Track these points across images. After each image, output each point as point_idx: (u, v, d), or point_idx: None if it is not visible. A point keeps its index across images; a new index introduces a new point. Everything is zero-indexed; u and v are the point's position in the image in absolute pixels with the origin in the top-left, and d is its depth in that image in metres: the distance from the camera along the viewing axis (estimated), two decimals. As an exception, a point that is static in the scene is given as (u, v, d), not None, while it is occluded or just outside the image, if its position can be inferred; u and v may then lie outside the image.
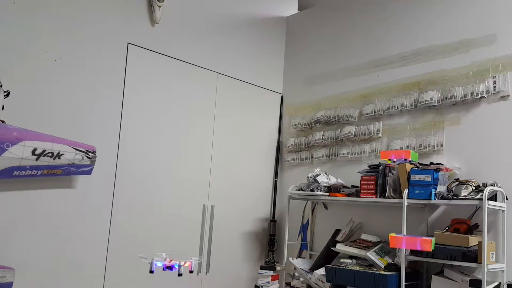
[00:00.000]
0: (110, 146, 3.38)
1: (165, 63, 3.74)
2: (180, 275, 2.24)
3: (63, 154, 2.91)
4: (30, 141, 2.78)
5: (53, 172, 2.92)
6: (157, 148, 3.66)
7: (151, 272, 2.20)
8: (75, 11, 3.25)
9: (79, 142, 3.05)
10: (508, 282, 2.64)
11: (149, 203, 3.59)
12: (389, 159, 3.29)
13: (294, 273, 3.83)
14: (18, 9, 2.99)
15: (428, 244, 2.79)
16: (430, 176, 3.05)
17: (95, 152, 3.09)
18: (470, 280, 2.84)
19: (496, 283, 2.90)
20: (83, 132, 3.21)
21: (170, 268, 2.24)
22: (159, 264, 2.23)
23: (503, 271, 2.98)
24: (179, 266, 2.26)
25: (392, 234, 2.95)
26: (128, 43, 3.51)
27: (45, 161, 2.84)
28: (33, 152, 2.79)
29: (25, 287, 2.93)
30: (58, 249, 3.09)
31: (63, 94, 3.16)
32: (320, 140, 4.22)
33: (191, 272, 2.27)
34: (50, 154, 2.85)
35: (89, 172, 3.09)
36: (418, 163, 3.27)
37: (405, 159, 3.24)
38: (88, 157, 3.04)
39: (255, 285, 3.80)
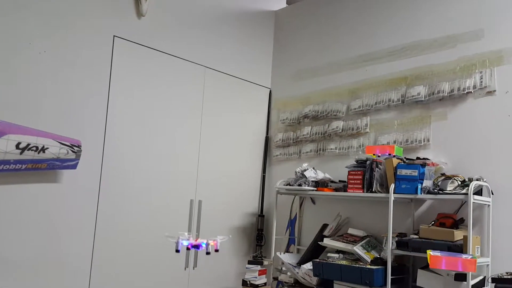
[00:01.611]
0: (95, 140, 3.35)
1: (152, 56, 3.72)
2: (208, 253, 2.18)
3: (47, 148, 2.89)
4: (14, 134, 2.75)
5: (38, 167, 2.90)
6: (143, 143, 3.63)
7: (177, 251, 2.13)
8: (60, 2, 3.21)
9: (64, 136, 3.03)
10: (493, 276, 2.65)
11: (135, 197, 3.57)
12: (374, 154, 3.31)
13: (281, 268, 3.84)
14: (2, 1, 2.95)
15: (472, 264, 2.56)
16: (417, 171, 3.06)
17: (80, 146, 3.06)
18: (455, 274, 2.85)
19: (481, 277, 2.91)
20: (68, 126, 3.18)
21: (196, 246, 2.17)
22: (185, 243, 2.16)
23: (488, 265, 3.00)
24: (207, 244, 2.19)
25: (430, 252, 2.67)
26: (114, 36, 3.48)
27: (29, 155, 2.82)
28: (17, 146, 2.76)
29: (9, 283, 2.91)
30: (43, 244, 3.07)
31: (48, 87, 3.13)
32: (308, 135, 4.22)
33: (216, 251, 2.22)
34: (34, 148, 2.83)
35: (74, 167, 3.07)
36: (404, 158, 3.28)
37: (390, 154, 3.25)
38: (73, 151, 3.01)
39: (243, 280, 3.80)
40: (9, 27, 2.98)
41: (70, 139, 3.04)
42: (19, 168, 2.81)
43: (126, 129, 3.53)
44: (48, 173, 3.09)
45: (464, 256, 2.54)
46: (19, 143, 2.76)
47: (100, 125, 3.38)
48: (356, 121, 3.88)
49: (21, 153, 2.77)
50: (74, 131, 3.19)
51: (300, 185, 3.71)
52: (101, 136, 3.38)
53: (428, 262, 2.59)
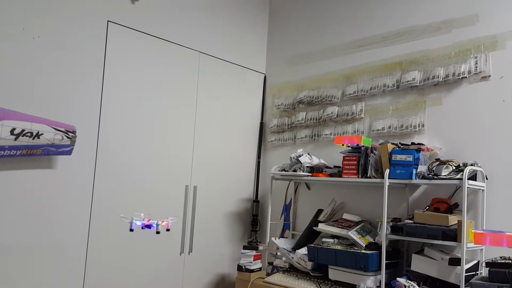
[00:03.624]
0: (90, 126, 3.33)
1: (147, 41, 3.69)
2: (158, 232, 2.36)
3: (42, 134, 2.87)
4: (8, 120, 2.73)
5: (33, 152, 2.88)
6: (138, 128, 3.62)
7: (131, 230, 2.30)
8: (53, -12, 3.18)
9: (59, 122, 3.01)
10: (487, 260, 2.68)
11: (131, 183, 3.56)
12: (343, 144, 3.38)
13: (276, 253, 3.85)
14: (-6, -15, 2.92)
15: None
16: (411, 156, 3.06)
17: (75, 132, 3.05)
18: (449, 258, 2.88)
19: (475, 262, 2.94)
20: (63, 112, 3.17)
21: (148, 226, 2.35)
22: (138, 223, 2.32)
23: (481, 249, 3.02)
24: (157, 224, 2.36)
25: (472, 230, 2.53)
26: (108, 20, 3.45)
27: (24, 141, 2.80)
28: (12, 132, 2.74)
29: (4, 270, 2.91)
30: (38, 231, 3.06)
31: (42, 72, 3.10)
32: (303, 121, 4.22)
33: (167, 230, 2.41)
34: (29, 134, 2.81)
35: (69, 152, 3.06)
36: (399, 143, 3.29)
37: (357, 145, 3.33)
38: (68, 137, 3.00)
39: (238, 265, 3.81)
40: (2, 12, 2.94)
41: (65, 124, 3.02)
42: (14, 154, 2.79)
43: (121, 115, 3.52)
44: (43, 159, 3.08)
45: (508, 233, 2.45)
46: (13, 129, 2.74)
47: (95, 110, 3.36)
48: (351, 107, 3.88)
49: (15, 139, 2.76)
50: (68, 117, 3.18)
51: (295, 170, 3.72)
52: (95, 121, 3.36)
53: (471, 240, 2.50)
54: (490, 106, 3.14)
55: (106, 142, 3.41)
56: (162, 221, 2.39)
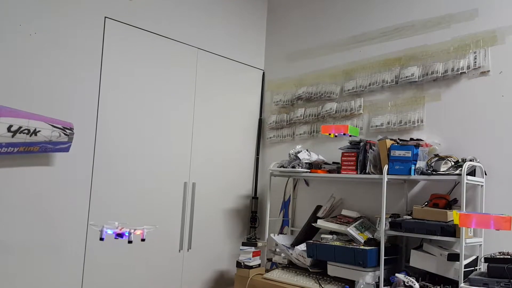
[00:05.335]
0: (88, 122, 3.32)
1: (144, 38, 3.68)
2: (130, 242, 2.25)
3: (39, 131, 2.86)
4: (5, 117, 2.72)
5: (30, 149, 2.87)
6: (136, 125, 3.61)
7: (101, 239, 2.21)
8: (50, -16, 3.17)
9: (56, 119, 3.00)
10: (486, 256, 2.67)
11: (129, 180, 3.55)
12: (330, 133, 3.42)
13: (275, 249, 3.85)
14: (-10, -18, 2.91)
15: (507, 222, 2.16)
16: (410, 151, 3.06)
17: (73, 129, 3.04)
18: (448, 254, 2.88)
19: (473, 257, 2.94)
20: (60, 109, 3.16)
21: (120, 235, 2.26)
22: (110, 231, 2.24)
23: (480, 245, 3.02)
24: (129, 233, 2.27)
25: (456, 211, 2.33)
26: (105, 17, 3.43)
27: (21, 138, 2.79)
28: (9, 129, 2.73)
29: (1, 268, 2.90)
30: (36, 228, 3.06)
31: (39, 69, 3.09)
32: (302, 117, 4.21)
33: (143, 240, 2.29)
34: (26, 131, 2.80)
35: (66, 149, 3.05)
36: (398, 139, 3.28)
37: (344, 134, 3.39)
38: (65, 134, 2.99)
39: (237, 261, 3.81)
40: (-2, 8, 2.93)
41: (62, 121, 3.01)
42: (11, 151, 2.78)
43: (119, 111, 3.50)
44: (41, 156, 3.07)
45: (495, 214, 2.27)
46: (10, 126, 2.73)
47: (92, 107, 3.35)
48: (350, 103, 3.87)
49: (12, 136, 2.75)
50: (66, 114, 3.17)
51: (293, 167, 3.71)
52: (93, 118, 3.35)
53: (457, 222, 2.30)
54: (489, 101, 3.13)
55: (104, 139, 3.40)
56: (135, 230, 2.31)
